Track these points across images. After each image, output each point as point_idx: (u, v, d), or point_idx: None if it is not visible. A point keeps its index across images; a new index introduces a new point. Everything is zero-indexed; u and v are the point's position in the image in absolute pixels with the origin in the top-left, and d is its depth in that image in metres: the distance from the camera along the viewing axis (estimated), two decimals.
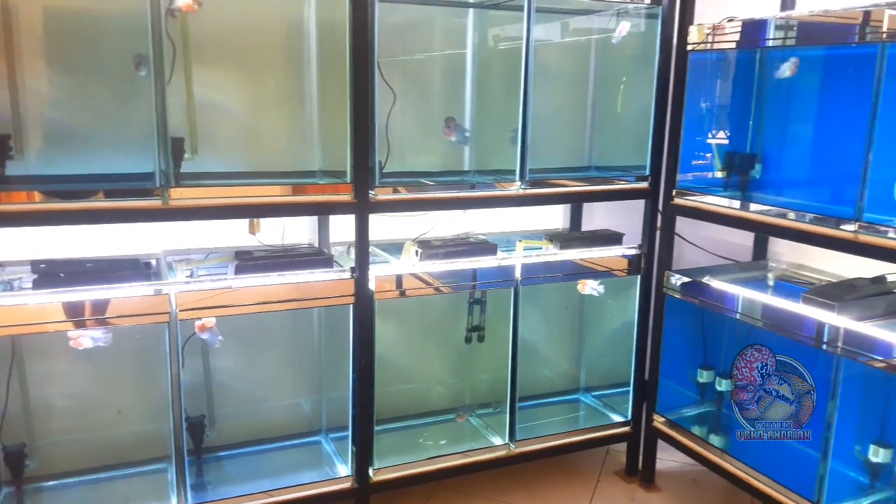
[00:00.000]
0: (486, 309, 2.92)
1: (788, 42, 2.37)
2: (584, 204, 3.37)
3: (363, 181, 2.34)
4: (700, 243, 3.09)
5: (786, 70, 2.45)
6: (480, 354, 3.04)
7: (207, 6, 2.32)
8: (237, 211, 2.30)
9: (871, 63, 2.08)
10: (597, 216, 3.40)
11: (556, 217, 3.43)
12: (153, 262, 2.54)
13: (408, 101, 2.69)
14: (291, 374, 2.87)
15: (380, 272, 2.46)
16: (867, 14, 2.08)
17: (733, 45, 2.50)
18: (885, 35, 2.03)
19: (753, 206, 2.53)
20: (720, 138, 2.71)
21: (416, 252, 2.59)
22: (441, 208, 2.67)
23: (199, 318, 2.23)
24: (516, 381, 2.81)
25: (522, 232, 3.21)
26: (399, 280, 2.51)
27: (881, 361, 2.08)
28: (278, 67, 2.56)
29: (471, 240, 2.78)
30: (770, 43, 2.41)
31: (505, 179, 2.66)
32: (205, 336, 2.24)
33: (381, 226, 2.83)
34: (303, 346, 2.85)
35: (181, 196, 2.17)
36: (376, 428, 2.63)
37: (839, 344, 2.19)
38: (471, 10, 2.78)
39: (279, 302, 2.31)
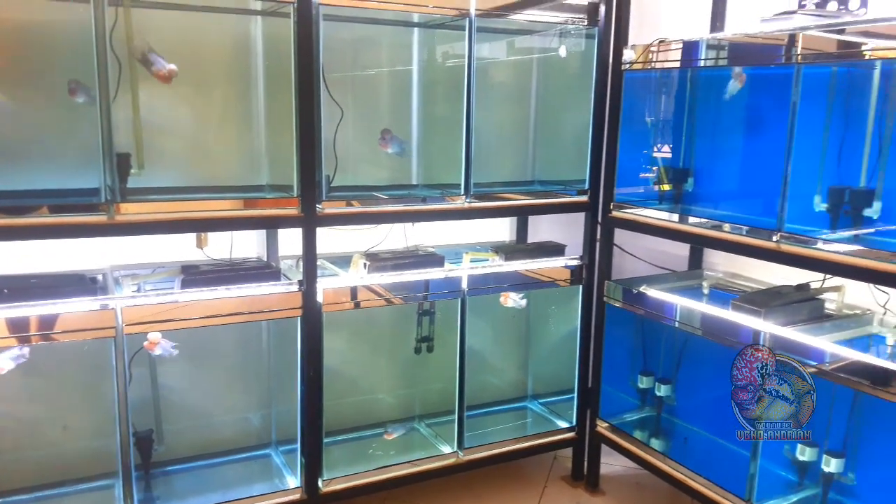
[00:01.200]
0: (436, 320, 2.98)
1: (714, 62, 2.51)
2: (530, 217, 3.47)
3: (310, 195, 2.38)
4: (641, 254, 3.21)
5: (714, 89, 2.59)
6: (430, 365, 3.10)
7: (154, 22, 2.36)
8: (184, 225, 2.32)
9: (787, 83, 2.22)
10: (542, 228, 3.50)
11: (502, 230, 3.52)
12: (100, 277, 2.54)
13: (356, 116, 2.76)
14: (241, 387, 2.89)
15: (328, 285, 2.50)
16: (784, 37, 2.22)
17: (665, 64, 2.64)
18: (799, 57, 2.17)
19: (686, 219, 2.66)
20: (655, 154, 2.84)
21: (365, 265, 2.64)
22: (388, 221, 2.73)
23: (146, 335, 2.24)
24: (464, 390, 2.88)
25: (470, 244, 3.29)
26: (347, 292, 2.56)
27: (803, 364, 2.21)
28: (226, 83, 2.60)
29: (419, 252, 2.84)
30: (698, 63, 2.55)
31: (451, 193, 2.73)
32: (157, 352, 2.25)
33: (332, 239, 2.88)
34: (252, 359, 2.87)
35: (127, 211, 2.19)
36: (327, 439, 2.66)
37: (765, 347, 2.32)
38: (416, 30, 2.86)
39: (226, 315, 2.34)
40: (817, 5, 2.60)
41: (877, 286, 2.33)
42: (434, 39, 2.89)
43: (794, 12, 2.26)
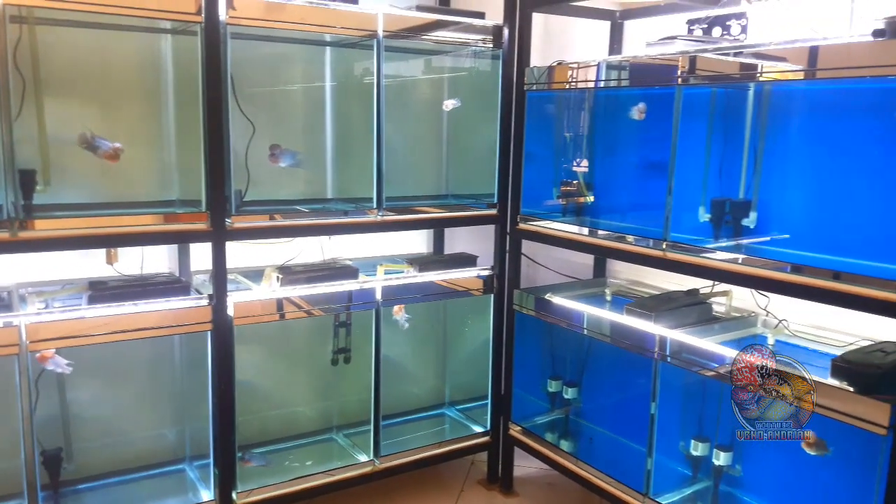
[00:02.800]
0: (352, 331, 3.05)
1: (606, 84, 2.67)
2: (447, 229, 3.58)
3: (219, 210, 2.42)
4: (552, 264, 3.36)
5: (608, 108, 2.75)
6: (348, 375, 3.15)
7: (62, 38, 2.37)
8: (91, 241, 2.33)
9: (670, 103, 2.39)
10: (459, 241, 3.61)
11: (420, 242, 3.61)
12: (4, 294, 2.51)
13: (271, 132, 2.81)
14: (153, 402, 2.88)
15: (239, 299, 2.54)
16: (666, 60, 2.40)
17: (562, 85, 2.79)
18: (680, 79, 2.34)
19: (585, 230, 2.81)
20: (558, 169, 2.99)
21: (277, 278, 2.69)
22: (301, 235, 2.79)
23: (46, 350, 2.23)
24: (380, 399, 2.95)
25: (388, 257, 3.37)
26: (259, 306, 2.59)
27: (692, 364, 2.37)
28: (135, 99, 2.62)
29: (333, 265, 2.90)
30: (592, 84, 2.71)
31: (364, 207, 2.81)
32: (49, 367, 2.24)
33: (249, 254, 2.93)
34: (165, 374, 2.87)
35: (32, 228, 2.18)
36: (245, 453, 2.68)
37: (656, 350, 2.47)
38: (328, 49, 2.93)
39: (134, 331, 2.35)
40: (704, 31, 2.81)
41: (758, 291, 2.51)
42: (346, 58, 2.97)
43: (675, 38, 2.44)
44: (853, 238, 2.11)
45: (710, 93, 2.48)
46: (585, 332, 2.78)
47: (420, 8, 2.80)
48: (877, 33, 1.84)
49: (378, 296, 2.85)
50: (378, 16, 2.65)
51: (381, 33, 2.66)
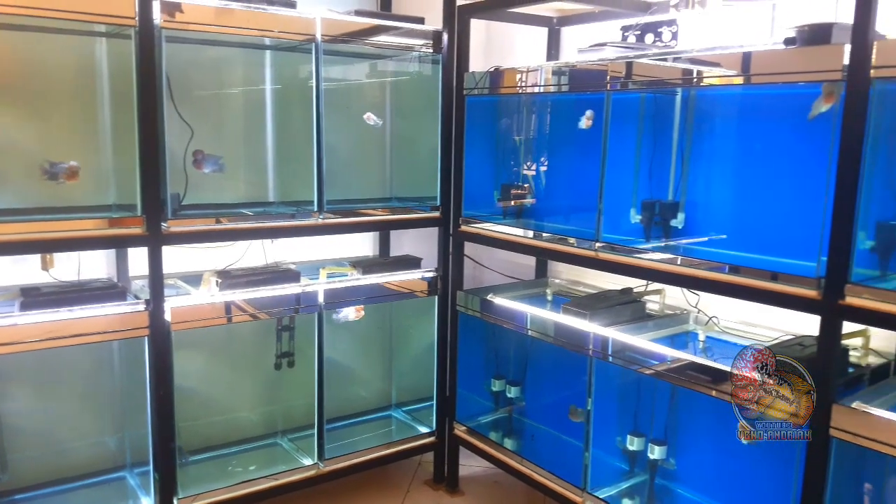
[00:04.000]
0: (295, 335, 3.05)
1: (542, 89, 2.73)
2: (393, 232, 3.61)
3: (155, 214, 2.41)
4: (497, 266, 3.41)
5: (544, 112, 2.81)
6: (292, 379, 3.15)
7: None
8: (23, 247, 2.30)
9: (600, 108, 2.46)
10: (406, 243, 3.64)
11: (366, 245, 3.63)
12: None
13: (212, 135, 2.80)
14: (92, 410, 2.84)
15: (176, 304, 2.52)
16: (595, 66, 2.46)
17: (499, 90, 2.84)
18: (608, 86, 2.41)
19: (523, 232, 2.86)
20: (498, 172, 3.04)
21: (216, 282, 2.68)
22: (240, 238, 2.78)
23: None
24: (323, 402, 2.95)
25: (334, 260, 3.38)
26: (197, 311, 2.58)
27: (626, 360, 2.44)
28: (70, 104, 2.59)
29: (274, 268, 2.91)
30: (529, 89, 2.77)
31: (305, 210, 2.82)
32: None
33: (191, 258, 2.90)
34: (103, 381, 2.83)
35: None
36: (189, 458, 2.66)
37: (591, 347, 2.54)
38: (268, 52, 2.94)
39: (69, 337, 2.32)
40: (637, 38, 2.89)
41: (685, 288, 2.59)
42: (287, 61, 2.98)
43: (605, 44, 2.51)
44: (773, 237, 2.20)
45: (638, 98, 2.55)
46: (526, 331, 2.83)
47: (359, 13, 2.82)
48: (788, 41, 1.93)
49: (320, 299, 2.86)
50: (316, 20, 2.66)
51: (319, 37, 2.68)
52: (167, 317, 2.49)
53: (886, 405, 1.96)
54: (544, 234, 2.78)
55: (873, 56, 1.74)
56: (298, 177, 2.95)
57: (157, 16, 2.35)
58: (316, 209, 2.79)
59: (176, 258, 2.75)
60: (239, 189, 2.97)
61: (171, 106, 2.52)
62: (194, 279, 2.86)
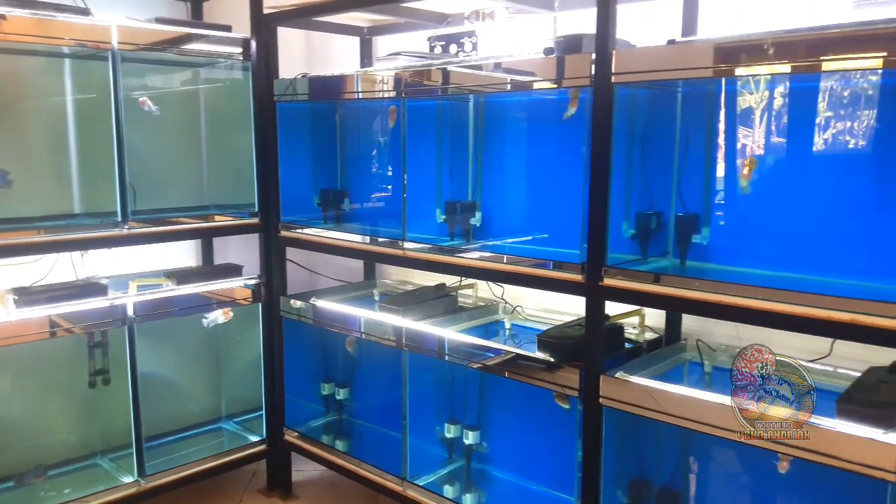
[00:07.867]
0: (109, 351, 2.94)
1: (345, 96, 2.83)
2: (220, 241, 3.57)
3: None
4: (327, 270, 3.46)
5: (352, 118, 2.91)
6: (109, 397, 3.04)
7: None
8: None
9: (397, 114, 2.59)
10: (232, 252, 3.61)
11: (188, 256, 3.57)
12: None
13: (6, 148, 2.67)
14: None
15: None
16: (391, 75, 2.58)
17: (307, 97, 2.91)
18: (403, 93, 2.54)
19: (342, 234, 2.93)
20: (316, 177, 3.11)
21: (13, 300, 2.55)
22: (36, 252, 2.65)
23: None
24: (140, 417, 2.88)
25: (153, 272, 3.29)
26: None
27: (433, 351, 2.56)
28: None
29: (78, 283, 2.80)
30: (334, 96, 2.86)
31: (110, 221, 2.74)
32: None
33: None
34: None
35: None
36: None
37: (404, 341, 2.65)
38: (66, 61, 2.84)
39: None
40: (442, 48, 3.06)
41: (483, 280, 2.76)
42: (87, 70, 2.88)
43: (399, 54, 2.64)
44: (552, 229, 2.41)
45: (435, 104, 2.71)
46: (348, 332, 2.90)
47: (160, 20, 2.79)
48: (547, 51, 2.14)
49: (130, 312, 2.79)
50: (112, 28, 2.61)
51: (115, 45, 2.62)
52: None
53: (652, 374, 2.21)
54: (359, 237, 2.87)
55: (613, 64, 1.96)
56: (104, 188, 2.87)
57: None
58: (120, 219, 2.72)
59: None
60: (37, 202, 2.83)
61: None
62: None
